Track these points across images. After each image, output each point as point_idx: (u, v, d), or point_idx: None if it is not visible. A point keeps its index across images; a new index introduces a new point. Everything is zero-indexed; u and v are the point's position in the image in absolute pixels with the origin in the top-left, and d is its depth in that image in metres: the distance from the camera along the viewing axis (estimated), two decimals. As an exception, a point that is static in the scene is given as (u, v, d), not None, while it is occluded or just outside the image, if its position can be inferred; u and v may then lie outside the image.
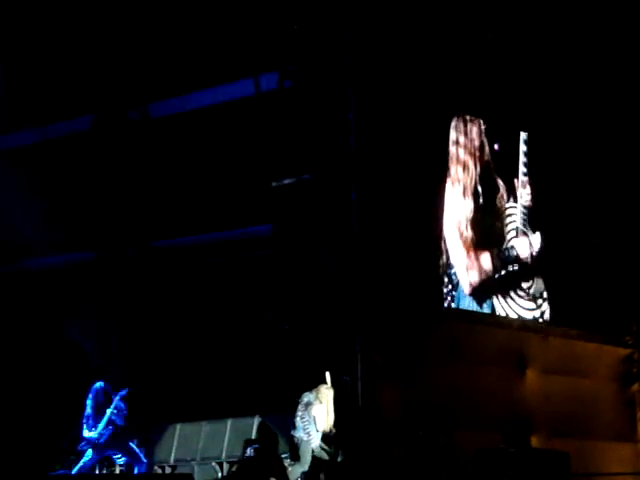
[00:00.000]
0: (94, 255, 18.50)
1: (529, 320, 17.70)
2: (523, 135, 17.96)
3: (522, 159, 17.97)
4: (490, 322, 17.06)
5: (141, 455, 14.13)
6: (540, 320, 17.77)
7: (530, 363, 17.14)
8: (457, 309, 16.83)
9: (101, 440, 14.02)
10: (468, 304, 16.95)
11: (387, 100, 15.97)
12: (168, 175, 17.96)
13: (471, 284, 17.00)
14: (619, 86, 18.12)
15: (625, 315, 18.31)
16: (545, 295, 17.99)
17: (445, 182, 16.82)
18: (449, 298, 16.74)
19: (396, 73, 16.06)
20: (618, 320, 18.25)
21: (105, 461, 14.35)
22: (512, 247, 17.76)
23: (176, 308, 17.67)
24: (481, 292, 17.13)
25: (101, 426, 14.05)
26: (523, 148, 17.97)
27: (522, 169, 17.97)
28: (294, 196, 15.88)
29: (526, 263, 17.82)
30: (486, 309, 17.19)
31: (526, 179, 17.95)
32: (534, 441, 16.75)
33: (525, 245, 17.89)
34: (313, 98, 16.09)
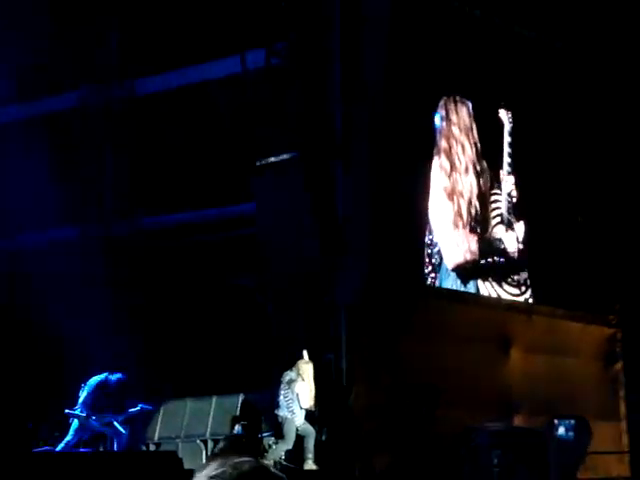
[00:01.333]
0: (81, 232, 18.47)
1: (513, 300, 17.75)
2: (507, 126, 17.91)
3: (507, 149, 17.93)
4: (475, 301, 17.08)
5: (120, 427, 14.12)
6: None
7: (514, 342, 17.16)
8: (442, 288, 16.85)
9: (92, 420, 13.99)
10: (452, 284, 16.96)
11: (374, 78, 15.91)
12: (154, 152, 17.90)
13: (455, 262, 17.02)
14: (601, 69, 18.07)
15: (609, 295, 18.36)
16: (529, 283, 18.04)
17: (432, 161, 16.80)
18: (430, 278, 16.76)
19: (384, 50, 15.98)
20: (602, 300, 18.29)
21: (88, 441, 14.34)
22: (500, 240, 17.75)
23: (161, 286, 17.67)
24: (465, 272, 17.15)
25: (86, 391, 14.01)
26: (507, 138, 17.94)
27: (507, 158, 17.95)
28: (280, 174, 15.84)
29: (513, 258, 17.84)
30: (471, 289, 17.23)
31: (510, 167, 17.94)
32: (517, 419, 16.81)
33: (513, 240, 17.91)
34: (300, 76, 16.01)
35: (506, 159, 17.97)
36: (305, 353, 14.54)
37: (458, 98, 17.30)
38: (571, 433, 14.40)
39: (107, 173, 18.28)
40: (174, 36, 17.57)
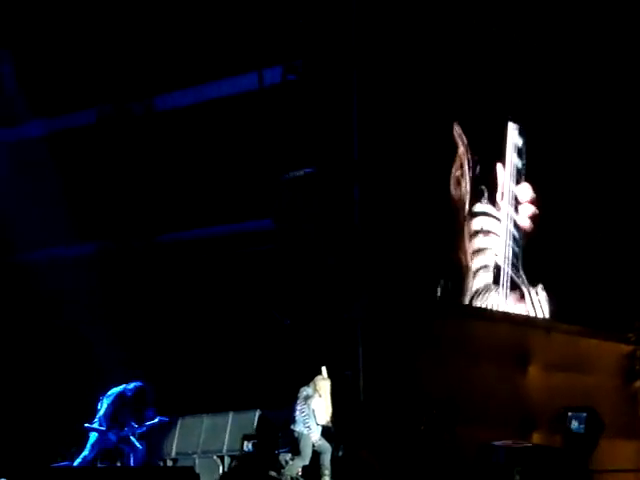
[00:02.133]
0: (98, 248, 18.54)
1: (532, 316, 17.66)
2: (514, 130, 17.39)
3: (515, 159, 17.24)
4: (493, 317, 17.03)
5: (137, 442, 14.12)
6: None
7: (532, 359, 17.10)
8: (460, 304, 16.79)
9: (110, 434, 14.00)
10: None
11: (391, 94, 15.95)
12: (172, 168, 17.98)
13: None
14: (616, 83, 17.96)
15: (628, 312, 18.27)
16: None
17: (451, 174, 16.68)
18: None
19: (399, 67, 16.04)
20: (621, 317, 18.21)
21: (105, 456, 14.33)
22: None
23: (179, 301, 17.69)
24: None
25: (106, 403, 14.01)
26: (516, 142, 17.10)
27: (512, 169, 16.90)
28: (297, 190, 15.87)
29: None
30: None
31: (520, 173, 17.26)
32: (536, 437, 16.72)
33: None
34: (316, 92, 16.07)
35: (511, 169, 16.37)
36: (324, 369, 14.51)
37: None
38: (582, 425, 14.47)
39: (125, 189, 18.35)
40: (192, 53, 17.67)
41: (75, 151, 18.65)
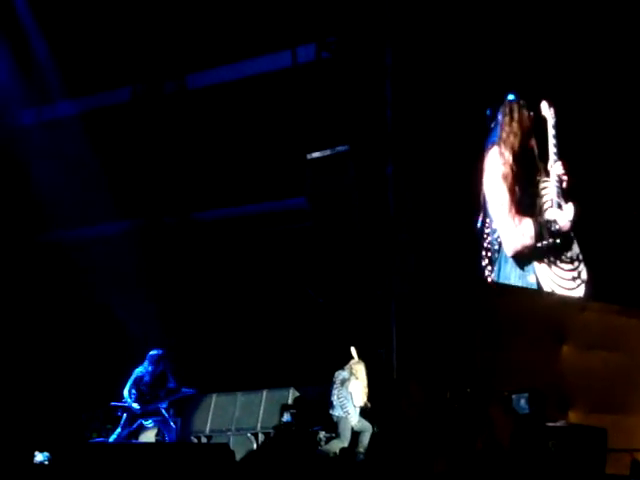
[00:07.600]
0: (132, 226, 18.62)
1: (568, 294, 17.52)
2: (551, 120, 17.43)
3: (552, 140, 17.44)
4: (528, 295, 16.90)
5: (170, 420, 14.18)
6: (578, 280, 17.45)
7: (568, 338, 16.94)
8: (495, 282, 16.69)
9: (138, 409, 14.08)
10: (510, 270, 16.65)
11: (425, 71, 15.83)
12: (205, 146, 17.99)
13: (514, 248, 16.63)
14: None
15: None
16: (581, 257, 17.58)
17: (485, 152, 16.58)
18: (487, 270, 16.54)
19: (435, 44, 15.90)
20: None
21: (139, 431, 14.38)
22: (555, 221, 17.15)
23: (214, 279, 17.74)
24: (523, 257, 16.79)
25: (128, 386, 14.09)
26: (552, 131, 17.47)
27: (552, 149, 17.42)
28: (329, 168, 15.82)
29: (567, 234, 17.51)
30: (528, 274, 16.88)
31: (556, 156, 17.51)
32: (572, 416, 16.57)
33: (564, 217, 17.28)
34: (350, 70, 15.99)
35: (552, 149, 17.41)
36: (353, 350, 14.46)
37: (522, 102, 16.99)
38: (527, 405, 14.47)
39: (158, 167, 18.39)
40: (225, 31, 17.64)
41: (109, 129, 18.71)
